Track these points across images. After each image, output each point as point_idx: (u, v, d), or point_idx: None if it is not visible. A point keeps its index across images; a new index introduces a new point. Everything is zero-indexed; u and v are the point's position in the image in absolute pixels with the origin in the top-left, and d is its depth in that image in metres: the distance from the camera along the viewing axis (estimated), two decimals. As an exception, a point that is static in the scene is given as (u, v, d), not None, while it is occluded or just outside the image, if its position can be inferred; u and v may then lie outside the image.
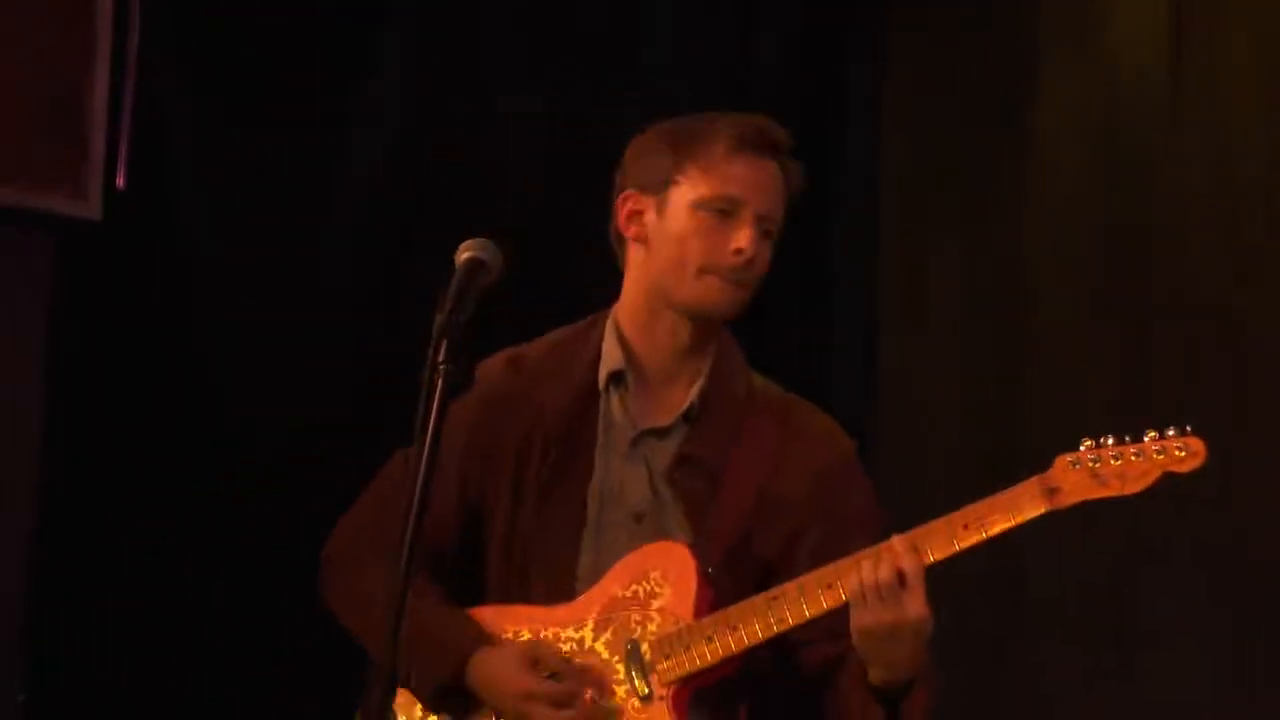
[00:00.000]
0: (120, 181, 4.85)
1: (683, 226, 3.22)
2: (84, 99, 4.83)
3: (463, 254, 2.87)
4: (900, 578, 3.02)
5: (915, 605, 3.01)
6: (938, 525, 3.06)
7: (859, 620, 3.03)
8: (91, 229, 4.82)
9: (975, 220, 5.41)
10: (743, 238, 3.20)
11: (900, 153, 5.56)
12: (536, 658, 3.19)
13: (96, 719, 4.82)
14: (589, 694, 3.16)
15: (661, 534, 3.24)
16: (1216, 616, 4.79)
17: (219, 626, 4.88)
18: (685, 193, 3.22)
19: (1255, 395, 4.78)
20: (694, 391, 3.28)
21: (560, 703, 3.15)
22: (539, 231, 5.12)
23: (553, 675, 3.17)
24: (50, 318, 4.84)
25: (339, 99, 5.15)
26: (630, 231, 3.30)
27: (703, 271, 3.22)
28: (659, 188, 3.25)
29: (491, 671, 3.19)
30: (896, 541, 3.05)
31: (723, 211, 3.21)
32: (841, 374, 5.42)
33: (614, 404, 3.29)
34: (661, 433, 3.28)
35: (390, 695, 2.67)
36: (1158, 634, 4.87)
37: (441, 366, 2.73)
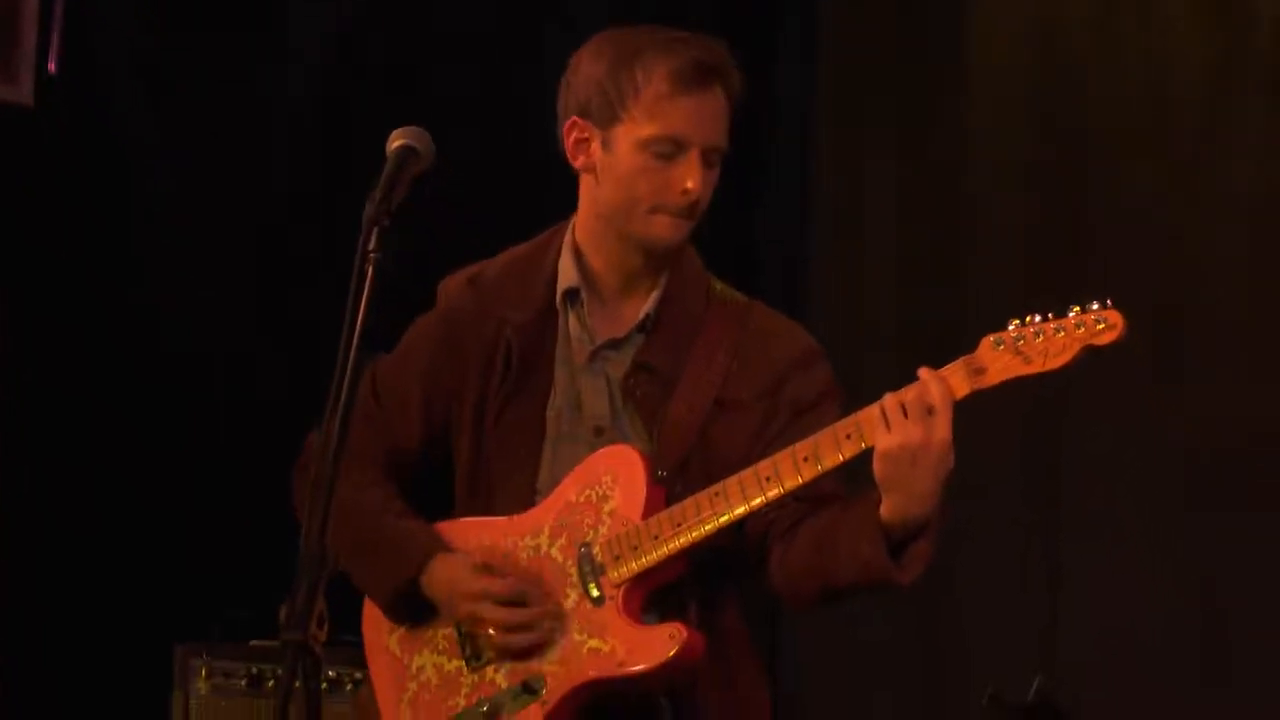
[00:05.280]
0: (52, 67, 4.83)
1: (630, 166, 3.19)
2: (16, -15, 4.80)
3: (394, 142, 2.86)
4: (928, 405, 2.98)
5: (942, 428, 2.96)
6: (864, 413, 3.04)
7: (884, 443, 2.98)
8: (23, 114, 4.81)
9: (912, 127, 5.42)
10: (691, 177, 3.18)
11: (836, 58, 5.57)
12: (489, 562, 3.19)
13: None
14: (541, 596, 3.17)
15: None
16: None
17: (157, 518, 4.92)
18: (630, 131, 3.18)
19: (1187, 301, 4.84)
20: (650, 302, 3.27)
21: (511, 601, 3.15)
22: (485, 132, 5.12)
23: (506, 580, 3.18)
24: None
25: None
26: (578, 162, 3.26)
27: (653, 211, 3.20)
28: (603, 121, 3.21)
29: (445, 577, 3.20)
30: (923, 372, 3.01)
31: (669, 152, 3.18)
32: (773, 274, 5.45)
33: (571, 320, 3.29)
34: (618, 344, 3.27)
35: (315, 591, 2.64)
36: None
37: (372, 255, 2.72)
